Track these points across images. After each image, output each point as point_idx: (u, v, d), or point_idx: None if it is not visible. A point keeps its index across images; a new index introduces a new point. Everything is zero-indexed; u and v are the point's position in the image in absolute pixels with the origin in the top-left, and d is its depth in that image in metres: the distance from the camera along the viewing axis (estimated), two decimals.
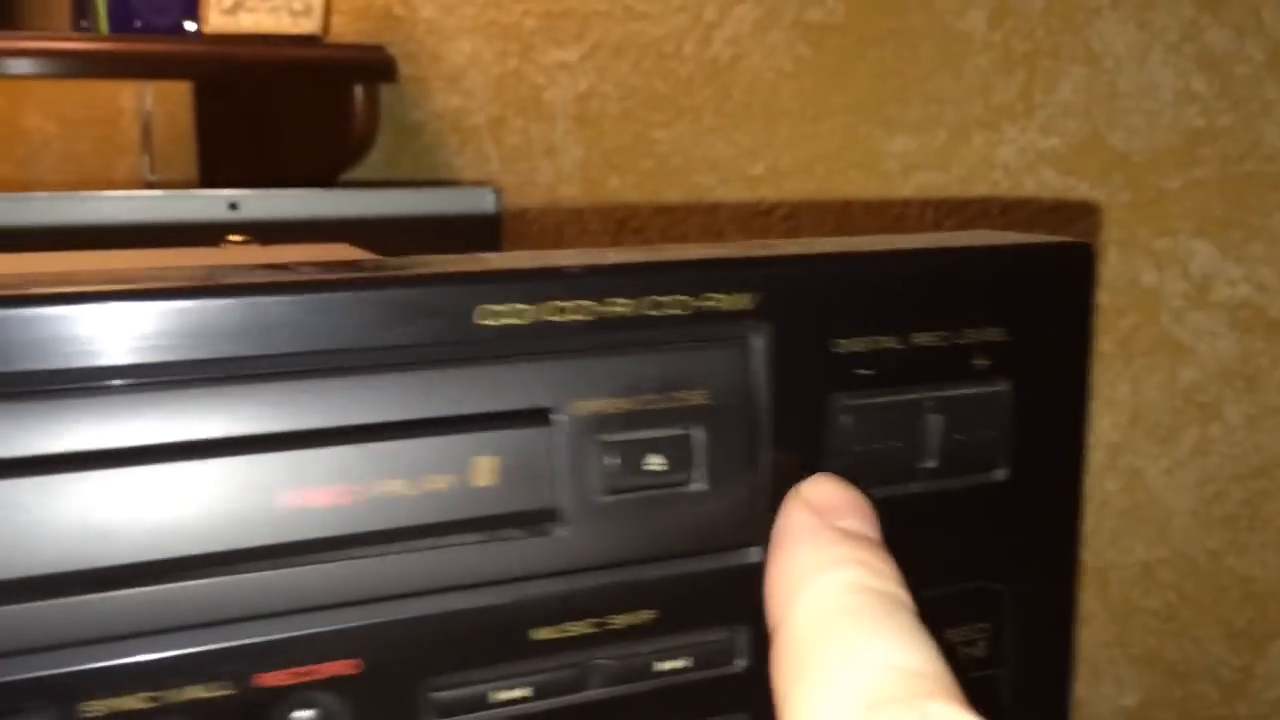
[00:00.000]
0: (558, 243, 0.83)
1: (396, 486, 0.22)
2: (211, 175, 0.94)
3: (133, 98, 0.98)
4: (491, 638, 0.23)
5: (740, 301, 0.24)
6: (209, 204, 0.60)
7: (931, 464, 0.26)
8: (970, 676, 0.27)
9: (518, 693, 0.23)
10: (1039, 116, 0.73)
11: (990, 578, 0.27)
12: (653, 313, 0.23)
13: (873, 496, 0.26)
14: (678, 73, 0.81)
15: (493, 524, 0.22)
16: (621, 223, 0.85)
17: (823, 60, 0.77)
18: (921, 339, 0.26)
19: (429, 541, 0.22)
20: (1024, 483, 0.27)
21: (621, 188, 0.84)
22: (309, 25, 0.82)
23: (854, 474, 0.26)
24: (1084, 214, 0.73)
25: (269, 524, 0.21)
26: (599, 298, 0.23)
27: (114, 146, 1.01)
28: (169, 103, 0.98)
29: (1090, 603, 0.77)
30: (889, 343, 0.25)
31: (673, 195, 0.82)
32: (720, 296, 0.24)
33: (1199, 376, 0.72)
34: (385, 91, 0.90)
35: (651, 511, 0.24)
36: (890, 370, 0.25)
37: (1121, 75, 0.71)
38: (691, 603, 0.25)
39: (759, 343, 0.24)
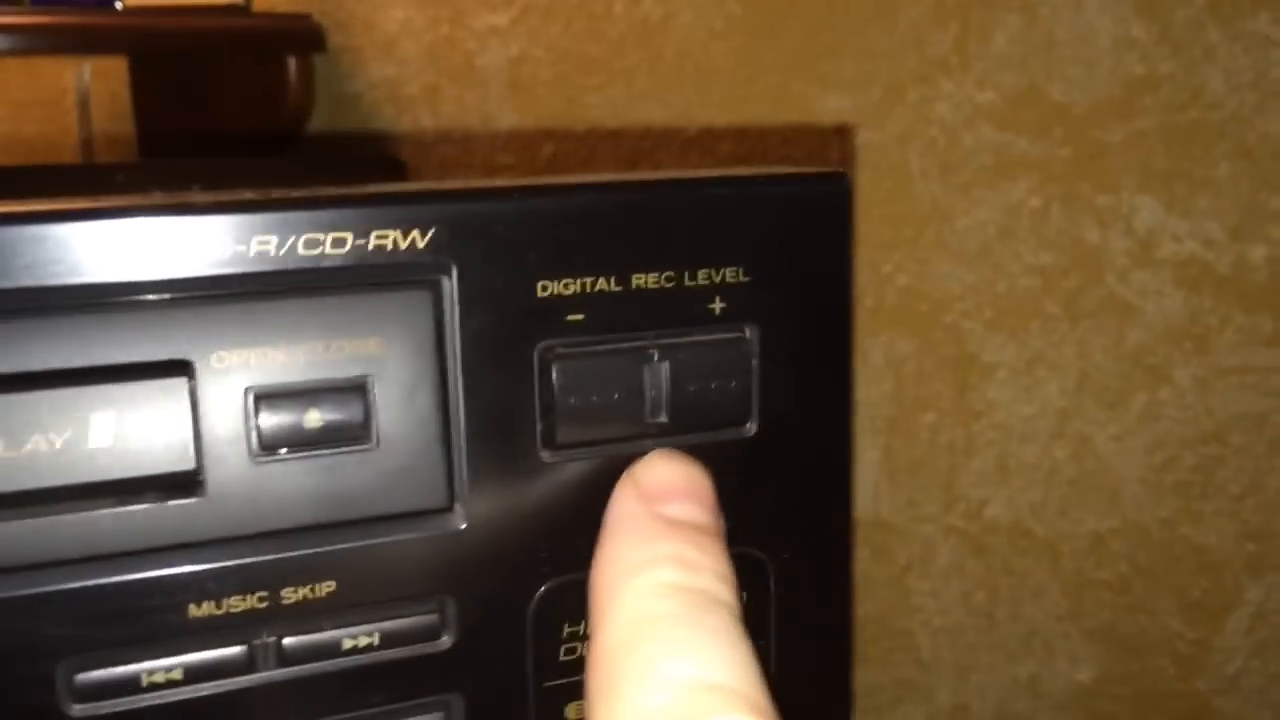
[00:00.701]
0: None
1: None
2: (151, 151, 0.93)
3: (74, 77, 0.96)
4: (139, 614, 0.21)
5: (417, 240, 0.22)
6: (98, 177, 0.59)
7: (663, 418, 0.24)
8: None
9: (176, 674, 0.21)
10: (975, 69, 0.70)
11: (746, 544, 0.25)
12: (308, 252, 0.21)
13: (597, 455, 0.24)
14: (608, 34, 0.79)
15: (116, 489, 0.20)
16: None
17: (753, 18, 0.75)
18: (643, 280, 0.23)
19: (40, 509, 0.20)
20: (777, 438, 0.25)
21: (557, 154, 0.82)
22: None
23: (571, 429, 0.23)
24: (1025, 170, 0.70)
25: None
26: (241, 237, 0.21)
27: (59, 127, 0.99)
28: (110, 81, 0.97)
29: (1041, 575, 0.75)
30: (604, 285, 0.23)
31: (607, 161, 0.80)
32: (391, 234, 0.21)
33: (1146, 338, 0.69)
34: (321, 63, 0.88)
35: (319, 473, 0.21)
36: (606, 315, 0.23)
37: (1058, 23, 0.68)
38: (379, 573, 0.22)
39: (446, 285, 0.22)
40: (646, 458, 0.23)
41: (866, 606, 0.80)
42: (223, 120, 0.93)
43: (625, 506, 0.23)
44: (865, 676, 0.81)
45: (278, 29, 0.84)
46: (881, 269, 0.74)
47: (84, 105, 0.95)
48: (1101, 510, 0.72)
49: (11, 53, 0.83)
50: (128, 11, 0.82)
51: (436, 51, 0.85)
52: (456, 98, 0.85)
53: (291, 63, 0.86)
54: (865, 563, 0.80)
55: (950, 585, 0.77)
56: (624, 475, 0.23)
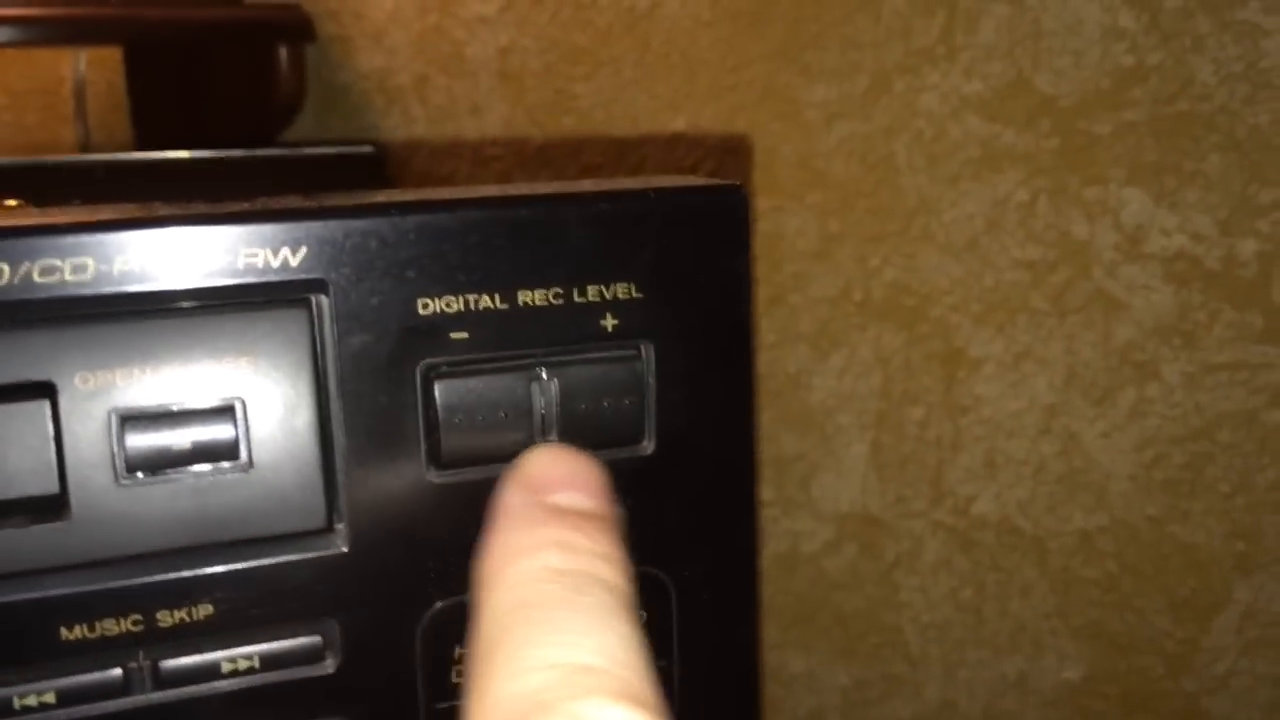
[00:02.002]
0: None
1: None
2: (146, 141, 0.93)
3: (71, 67, 0.97)
4: (9, 637, 0.21)
5: (289, 258, 0.21)
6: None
7: (553, 438, 0.23)
8: None
9: (48, 697, 0.21)
10: (961, 59, 0.69)
11: (646, 563, 0.25)
12: (174, 271, 0.21)
13: (487, 475, 0.23)
14: (596, 23, 0.78)
15: None
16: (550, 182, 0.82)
17: (740, 6, 0.74)
18: (531, 297, 0.23)
19: None
20: (676, 456, 0.24)
21: (546, 146, 0.82)
22: None
23: (457, 448, 0.23)
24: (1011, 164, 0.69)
25: None
26: (102, 257, 0.20)
27: (58, 116, 1.00)
28: (107, 70, 0.97)
29: (1029, 572, 0.74)
30: (488, 302, 0.22)
31: (594, 152, 0.79)
32: (261, 252, 0.21)
33: (1134, 334, 0.68)
34: (312, 53, 0.88)
35: (190, 495, 0.21)
36: (491, 333, 0.23)
37: (1045, 12, 0.66)
38: (258, 596, 0.22)
39: (321, 303, 0.22)
40: (532, 450, 0.23)
41: (854, 602, 0.80)
42: (216, 109, 0.93)
43: (508, 498, 0.22)
44: (852, 672, 0.81)
45: (267, 19, 0.84)
46: (868, 262, 0.74)
47: (80, 95, 0.95)
48: (1089, 507, 0.71)
49: (1, 44, 0.83)
50: (118, 2, 0.82)
51: (425, 41, 0.84)
52: (446, 87, 0.84)
53: (282, 52, 0.86)
54: (853, 558, 0.79)
55: (938, 581, 0.77)
56: (509, 469, 0.23)
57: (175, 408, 0.21)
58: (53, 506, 0.20)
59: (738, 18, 0.74)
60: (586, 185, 0.24)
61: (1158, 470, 0.69)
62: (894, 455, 0.76)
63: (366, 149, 0.64)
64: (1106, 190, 0.67)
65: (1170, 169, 0.65)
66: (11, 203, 0.45)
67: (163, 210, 0.21)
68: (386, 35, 0.86)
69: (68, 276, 0.20)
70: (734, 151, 0.76)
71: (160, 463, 0.21)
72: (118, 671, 0.21)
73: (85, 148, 0.95)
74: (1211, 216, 0.65)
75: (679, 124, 0.77)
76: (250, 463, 0.21)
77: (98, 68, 0.99)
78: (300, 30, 0.84)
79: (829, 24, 0.71)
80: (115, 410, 0.20)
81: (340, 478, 0.22)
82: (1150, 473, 0.69)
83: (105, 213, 0.21)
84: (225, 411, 0.21)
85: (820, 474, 0.78)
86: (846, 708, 0.81)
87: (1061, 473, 0.72)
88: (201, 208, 0.21)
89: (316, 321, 0.22)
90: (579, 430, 0.23)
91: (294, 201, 0.22)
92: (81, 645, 0.21)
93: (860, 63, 0.71)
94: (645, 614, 0.25)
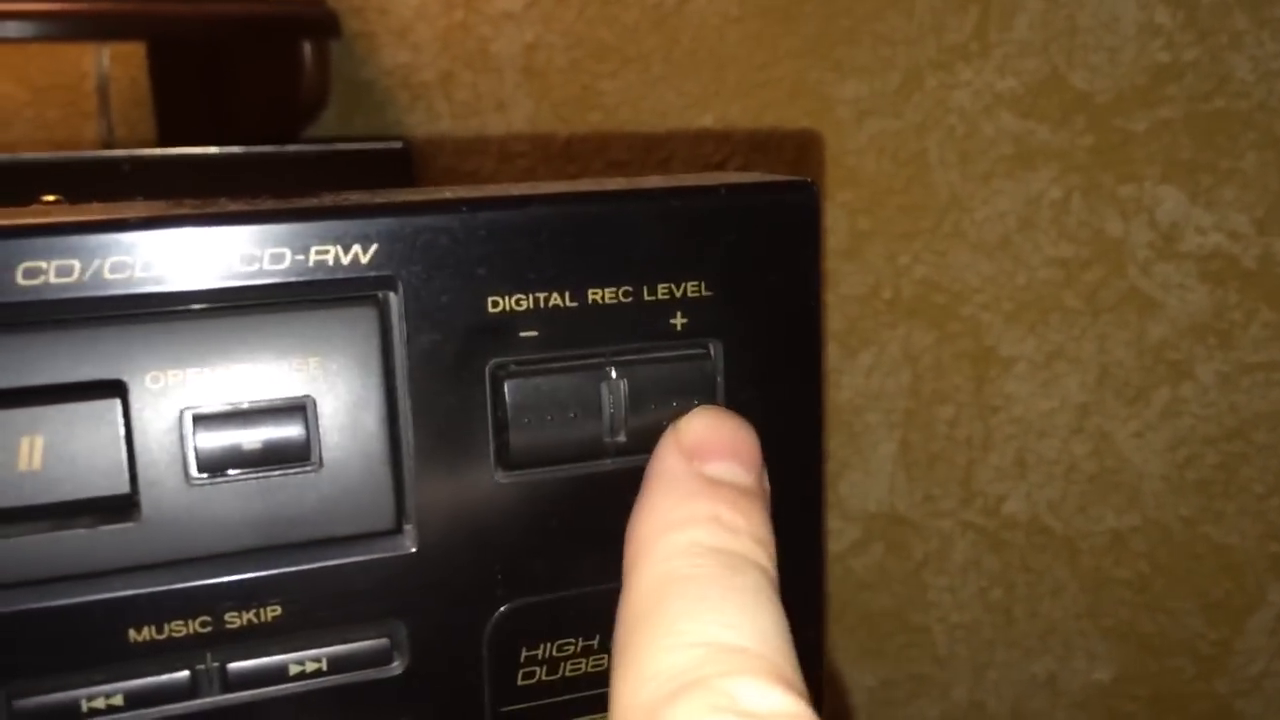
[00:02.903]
0: None
1: None
2: (170, 137, 0.93)
3: (94, 62, 0.96)
4: (79, 639, 0.21)
5: (359, 255, 0.21)
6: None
7: (621, 438, 0.23)
8: None
9: (116, 700, 0.21)
10: (995, 56, 0.68)
11: None
12: (245, 268, 0.20)
13: (555, 476, 0.23)
14: (623, 20, 0.78)
15: (48, 513, 0.20)
16: (574, 179, 0.82)
17: (770, 2, 0.73)
18: (600, 295, 0.22)
19: None
20: None
21: (571, 142, 0.81)
22: None
23: (525, 449, 0.22)
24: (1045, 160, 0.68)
25: None
26: (172, 253, 0.20)
27: (80, 112, 0.99)
28: (130, 66, 0.97)
29: (1060, 572, 0.73)
30: (558, 300, 0.22)
31: (620, 149, 0.79)
32: (332, 250, 0.21)
33: (1169, 332, 0.67)
34: (336, 49, 0.87)
35: (260, 495, 0.21)
36: (561, 331, 0.22)
37: (1081, 9, 0.66)
38: (326, 597, 0.22)
39: (391, 301, 0.21)
40: (691, 413, 0.23)
41: (882, 601, 0.79)
42: (241, 105, 0.92)
43: (665, 463, 0.22)
44: (880, 672, 0.80)
45: (292, 15, 0.84)
46: (899, 260, 0.73)
47: (103, 90, 0.95)
48: (1121, 507, 0.71)
49: (25, 39, 0.83)
50: None
51: (451, 37, 0.84)
52: (471, 84, 0.84)
53: (307, 48, 0.85)
54: (881, 557, 0.79)
55: (967, 581, 0.76)
56: (667, 431, 0.22)
57: (246, 407, 0.20)
58: (123, 507, 0.20)
59: (767, 14, 0.73)
60: (656, 181, 0.24)
61: (1191, 470, 0.69)
62: (923, 454, 0.76)
63: (397, 145, 0.63)
64: (1141, 188, 0.66)
65: (1206, 167, 0.65)
66: (50, 198, 0.45)
67: (232, 206, 0.21)
68: (412, 31, 0.85)
69: (138, 273, 0.20)
70: (762, 148, 0.76)
71: (231, 462, 0.20)
72: (185, 673, 0.21)
73: (109, 144, 0.95)
74: (1248, 215, 0.64)
75: (707, 121, 0.76)
76: (320, 463, 0.21)
77: (121, 63, 0.98)
78: (325, 26, 0.84)
79: (860, 20, 0.71)
80: (186, 409, 0.20)
81: (409, 478, 0.22)
82: (1183, 473, 0.69)
83: (176, 209, 0.20)
84: (296, 411, 0.21)
85: (848, 473, 0.78)
86: (873, 707, 0.81)
87: (1093, 473, 0.71)
88: (270, 203, 0.21)
89: (386, 319, 0.21)
90: (647, 430, 0.23)
91: (363, 197, 0.21)
92: (150, 647, 0.21)
93: (892, 59, 0.70)
94: None
